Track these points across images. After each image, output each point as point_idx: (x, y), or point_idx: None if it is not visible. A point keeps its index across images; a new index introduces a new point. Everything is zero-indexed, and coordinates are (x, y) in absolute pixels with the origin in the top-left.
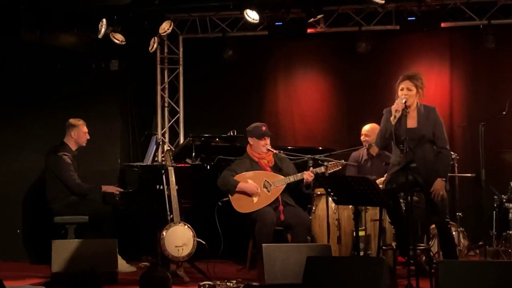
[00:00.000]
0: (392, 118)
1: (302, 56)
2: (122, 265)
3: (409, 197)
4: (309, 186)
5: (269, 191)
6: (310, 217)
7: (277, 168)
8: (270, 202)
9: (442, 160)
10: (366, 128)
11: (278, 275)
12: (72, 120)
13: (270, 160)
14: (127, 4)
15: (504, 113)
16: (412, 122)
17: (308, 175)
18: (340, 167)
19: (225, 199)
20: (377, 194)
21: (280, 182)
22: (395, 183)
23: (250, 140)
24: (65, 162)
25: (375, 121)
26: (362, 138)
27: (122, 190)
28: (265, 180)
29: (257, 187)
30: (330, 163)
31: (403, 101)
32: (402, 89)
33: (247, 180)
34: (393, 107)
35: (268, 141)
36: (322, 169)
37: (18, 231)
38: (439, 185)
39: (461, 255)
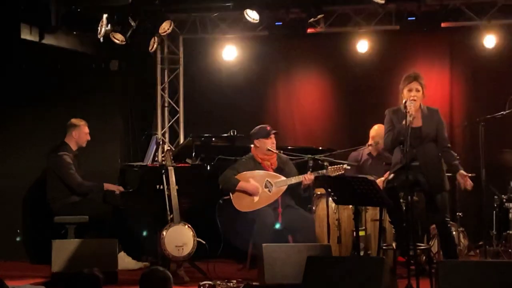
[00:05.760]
0: (409, 121)
1: (302, 56)
2: (129, 262)
3: (409, 197)
4: (307, 189)
5: (270, 191)
6: None
7: (280, 170)
8: (270, 203)
9: (452, 155)
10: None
11: (278, 275)
12: (74, 120)
13: (273, 162)
14: (127, 4)
15: (504, 113)
16: (416, 121)
17: (306, 178)
18: (343, 172)
19: (226, 197)
20: (378, 194)
21: (281, 183)
22: (396, 182)
23: (256, 142)
24: (65, 161)
25: (375, 121)
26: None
27: (123, 189)
28: (267, 180)
29: (258, 187)
30: (331, 167)
31: (404, 101)
32: (410, 90)
33: (249, 180)
34: (409, 110)
35: (274, 139)
36: (323, 172)
37: (18, 230)
38: (463, 175)
39: (461, 255)
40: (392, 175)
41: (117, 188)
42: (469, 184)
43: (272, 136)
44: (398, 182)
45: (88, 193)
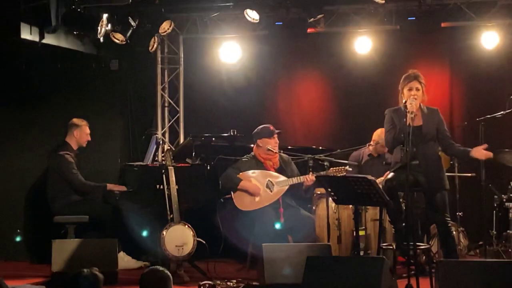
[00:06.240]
0: (409, 120)
1: (302, 56)
2: (129, 261)
3: (409, 197)
4: (308, 190)
5: (271, 191)
6: None
7: (281, 170)
8: (271, 203)
9: (457, 147)
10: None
11: (278, 275)
12: (75, 120)
13: (275, 162)
14: (127, 4)
15: (504, 112)
16: (417, 120)
17: (308, 179)
18: (344, 174)
19: (227, 196)
20: (377, 194)
21: (283, 183)
22: (395, 181)
23: (259, 141)
24: (67, 160)
25: (375, 120)
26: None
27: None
28: (268, 180)
29: (259, 188)
30: (332, 169)
31: (404, 101)
32: (410, 89)
33: (250, 179)
34: (409, 109)
35: (277, 139)
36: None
37: (18, 230)
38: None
39: (461, 255)
40: (391, 174)
41: (121, 189)
42: (485, 153)
43: (275, 136)
44: (398, 181)
45: (89, 192)
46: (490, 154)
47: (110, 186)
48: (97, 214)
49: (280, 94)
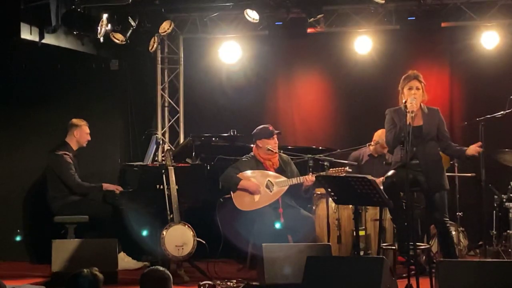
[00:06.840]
0: (410, 120)
1: (302, 56)
2: (129, 262)
3: (409, 197)
4: (308, 191)
5: (271, 191)
6: None
7: (281, 171)
8: (271, 203)
9: (455, 147)
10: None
11: (278, 275)
12: (75, 120)
13: (275, 162)
14: (127, 4)
15: (504, 112)
16: (417, 120)
17: (308, 180)
18: (344, 174)
19: (227, 195)
20: (377, 194)
21: (282, 183)
22: (395, 177)
23: (258, 142)
24: (65, 161)
25: (375, 120)
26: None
27: (122, 189)
28: (268, 180)
29: (259, 186)
30: (332, 169)
31: (404, 101)
32: (410, 89)
33: (250, 179)
34: (410, 108)
35: (276, 139)
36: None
37: (18, 230)
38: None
39: (461, 255)
40: (392, 171)
41: (116, 188)
42: (476, 149)
43: (275, 136)
44: (398, 178)
45: (85, 193)
46: (479, 149)
47: (106, 186)
48: (97, 214)
49: (280, 94)
